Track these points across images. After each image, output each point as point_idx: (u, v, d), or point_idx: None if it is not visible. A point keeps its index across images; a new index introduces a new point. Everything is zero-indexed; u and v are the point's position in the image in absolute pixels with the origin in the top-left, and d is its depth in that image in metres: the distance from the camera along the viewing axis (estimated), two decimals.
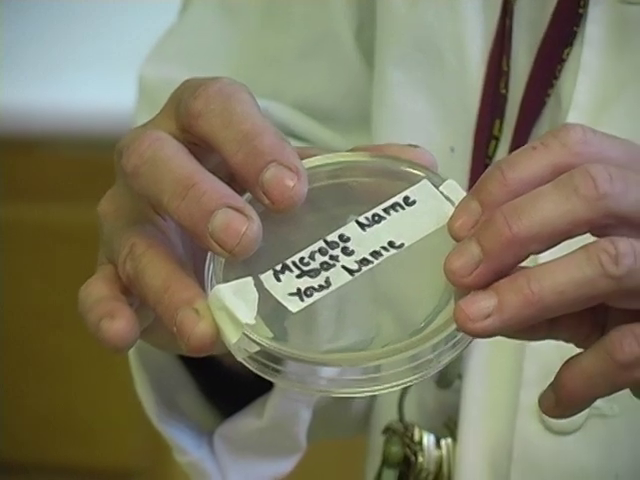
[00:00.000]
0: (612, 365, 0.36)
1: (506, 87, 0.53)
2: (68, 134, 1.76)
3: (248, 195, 0.37)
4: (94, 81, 1.79)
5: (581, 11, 0.51)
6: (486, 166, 0.52)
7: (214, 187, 0.36)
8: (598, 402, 0.41)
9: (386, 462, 0.55)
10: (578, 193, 0.35)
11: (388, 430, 0.54)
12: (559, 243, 0.36)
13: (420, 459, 0.54)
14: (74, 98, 1.80)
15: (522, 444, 0.54)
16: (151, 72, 0.64)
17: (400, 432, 0.54)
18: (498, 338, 0.38)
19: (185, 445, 0.57)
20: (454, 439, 0.53)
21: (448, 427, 0.54)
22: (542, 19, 0.53)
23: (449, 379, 0.54)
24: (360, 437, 0.61)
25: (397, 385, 0.36)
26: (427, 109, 0.57)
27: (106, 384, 1.58)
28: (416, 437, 0.54)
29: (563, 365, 0.36)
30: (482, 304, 0.34)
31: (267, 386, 0.54)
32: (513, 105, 0.53)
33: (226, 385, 0.57)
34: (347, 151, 0.41)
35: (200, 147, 0.38)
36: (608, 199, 0.35)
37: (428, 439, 0.54)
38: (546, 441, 0.54)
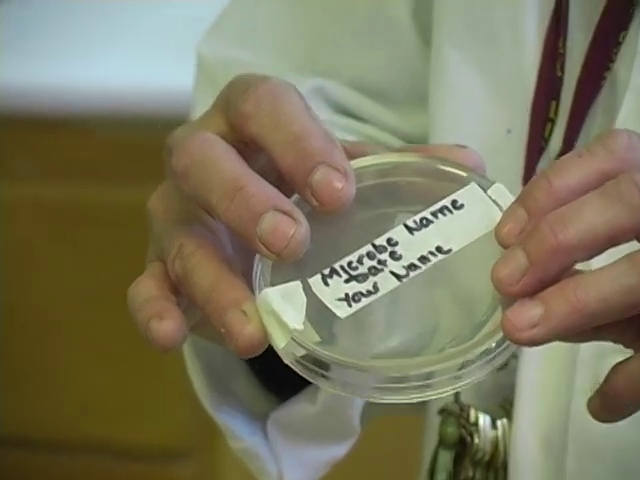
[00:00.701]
0: None
1: (562, 69, 0.53)
2: (99, 113, 1.75)
3: (296, 197, 0.37)
4: (126, 60, 1.77)
5: None
6: (542, 149, 0.52)
7: (262, 189, 0.36)
8: None
9: (442, 443, 0.55)
10: (622, 200, 0.35)
11: (444, 411, 0.54)
12: (604, 250, 0.36)
13: (476, 440, 0.54)
14: (105, 76, 1.78)
15: (577, 424, 0.54)
16: (209, 50, 0.64)
17: (456, 413, 0.54)
18: None
19: (239, 431, 0.58)
20: (509, 419, 0.54)
21: (504, 408, 0.54)
22: (599, 1, 0.52)
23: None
24: (416, 419, 0.61)
25: (445, 392, 0.36)
26: (483, 89, 0.57)
27: (153, 367, 1.61)
28: (472, 418, 0.54)
29: (611, 369, 0.36)
30: (529, 313, 0.34)
31: None
32: (569, 87, 0.53)
33: (280, 371, 0.54)
34: (395, 151, 0.41)
35: (249, 147, 0.38)
36: None
37: (484, 420, 0.54)
38: (599, 422, 0.53)
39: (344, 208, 0.37)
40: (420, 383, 0.36)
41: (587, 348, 0.52)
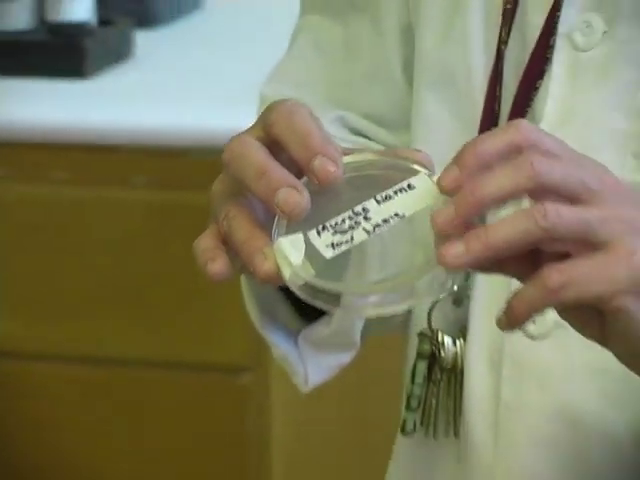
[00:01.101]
0: (544, 290, 0.45)
1: (499, 107, 0.65)
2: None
3: (305, 179, 0.48)
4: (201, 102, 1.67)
5: (549, 56, 0.62)
6: None
7: (279, 173, 0.48)
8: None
9: (419, 356, 0.68)
10: (522, 171, 0.45)
11: (421, 334, 0.67)
12: (508, 203, 0.46)
13: (442, 354, 0.67)
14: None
15: (510, 345, 0.65)
16: (269, 91, 0.78)
17: (429, 335, 0.67)
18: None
19: (279, 344, 0.69)
20: (465, 340, 0.66)
21: (462, 332, 0.67)
22: (523, 59, 0.64)
23: (460, 300, 0.67)
24: (401, 346, 0.74)
25: (405, 306, 0.47)
26: (449, 120, 0.68)
27: (219, 298, 1.66)
28: (440, 339, 0.67)
29: (512, 294, 0.47)
30: (455, 249, 0.45)
31: None
32: (503, 120, 0.64)
33: (306, 304, 0.66)
34: (372, 152, 0.52)
35: (276, 146, 0.49)
36: (540, 176, 0.45)
37: (447, 340, 0.67)
38: (525, 344, 0.64)
39: (335, 185, 0.48)
40: (381, 301, 0.47)
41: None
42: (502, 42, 0.65)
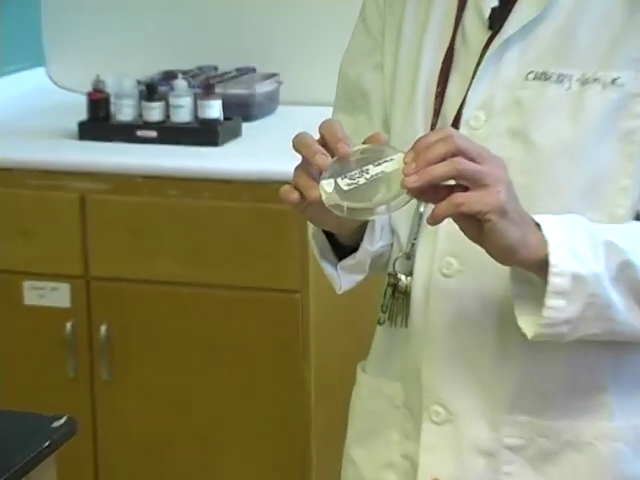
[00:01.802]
0: (452, 205, 0.80)
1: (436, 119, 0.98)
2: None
3: (336, 157, 0.84)
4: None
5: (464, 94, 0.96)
6: None
7: (315, 147, 0.84)
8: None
9: (388, 284, 1.01)
10: (452, 164, 0.80)
11: (389, 274, 1.00)
12: (445, 180, 0.81)
13: (400, 284, 1.00)
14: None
15: (434, 280, 0.97)
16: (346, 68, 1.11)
17: (393, 274, 1.00)
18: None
19: (327, 269, 1.02)
20: (412, 277, 0.99)
21: (410, 273, 0.99)
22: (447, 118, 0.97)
23: (410, 257, 0.98)
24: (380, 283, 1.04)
25: (386, 211, 0.83)
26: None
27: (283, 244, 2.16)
28: (399, 276, 1.00)
29: (434, 208, 0.81)
30: (413, 178, 0.80)
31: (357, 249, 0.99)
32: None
33: (343, 249, 1.01)
34: (368, 144, 0.86)
35: (322, 139, 0.85)
36: (461, 170, 0.80)
37: (402, 277, 1.00)
38: (441, 279, 0.97)
39: (348, 157, 0.83)
40: (382, 209, 0.82)
41: (445, 227, 0.90)
42: (433, 125, 0.99)
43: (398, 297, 1.01)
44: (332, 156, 0.85)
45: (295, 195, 0.87)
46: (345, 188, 0.83)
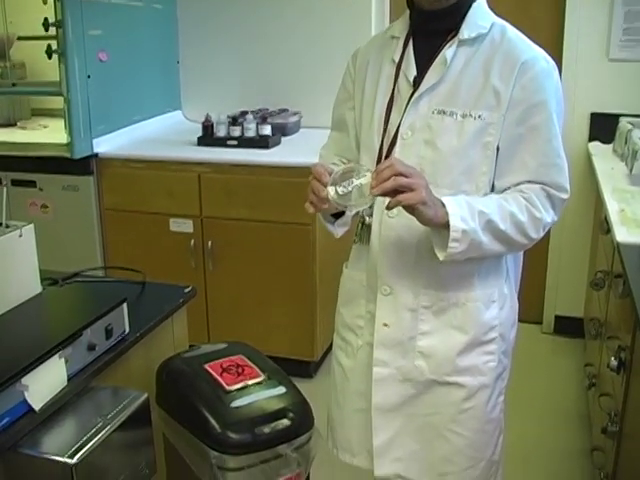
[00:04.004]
0: (396, 201, 1.34)
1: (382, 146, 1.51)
2: None
3: (332, 175, 1.38)
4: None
5: (395, 141, 1.50)
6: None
7: (324, 173, 1.39)
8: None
9: (359, 222, 1.66)
10: (397, 182, 1.33)
11: (360, 217, 1.62)
12: (394, 193, 1.33)
13: (365, 222, 1.63)
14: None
15: (384, 220, 1.57)
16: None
17: (362, 217, 1.62)
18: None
19: (329, 226, 1.59)
20: (371, 218, 1.56)
21: (371, 215, 1.57)
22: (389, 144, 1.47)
23: (372, 208, 1.56)
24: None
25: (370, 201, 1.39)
26: (368, 159, 1.48)
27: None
28: (365, 217, 1.63)
29: (389, 202, 1.36)
30: (376, 188, 1.31)
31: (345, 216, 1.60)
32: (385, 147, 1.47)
33: (335, 217, 1.60)
34: (349, 165, 1.42)
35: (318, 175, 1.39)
36: (399, 185, 1.33)
37: (367, 218, 1.61)
38: (388, 219, 1.55)
39: (335, 178, 1.34)
40: (368, 200, 1.38)
41: (386, 201, 1.39)
42: (383, 137, 1.43)
43: (364, 229, 1.52)
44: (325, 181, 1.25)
45: (312, 209, 1.28)
46: (340, 192, 1.21)
